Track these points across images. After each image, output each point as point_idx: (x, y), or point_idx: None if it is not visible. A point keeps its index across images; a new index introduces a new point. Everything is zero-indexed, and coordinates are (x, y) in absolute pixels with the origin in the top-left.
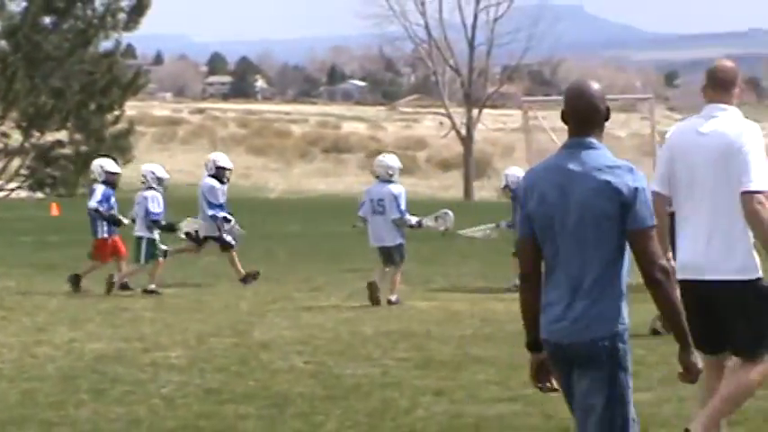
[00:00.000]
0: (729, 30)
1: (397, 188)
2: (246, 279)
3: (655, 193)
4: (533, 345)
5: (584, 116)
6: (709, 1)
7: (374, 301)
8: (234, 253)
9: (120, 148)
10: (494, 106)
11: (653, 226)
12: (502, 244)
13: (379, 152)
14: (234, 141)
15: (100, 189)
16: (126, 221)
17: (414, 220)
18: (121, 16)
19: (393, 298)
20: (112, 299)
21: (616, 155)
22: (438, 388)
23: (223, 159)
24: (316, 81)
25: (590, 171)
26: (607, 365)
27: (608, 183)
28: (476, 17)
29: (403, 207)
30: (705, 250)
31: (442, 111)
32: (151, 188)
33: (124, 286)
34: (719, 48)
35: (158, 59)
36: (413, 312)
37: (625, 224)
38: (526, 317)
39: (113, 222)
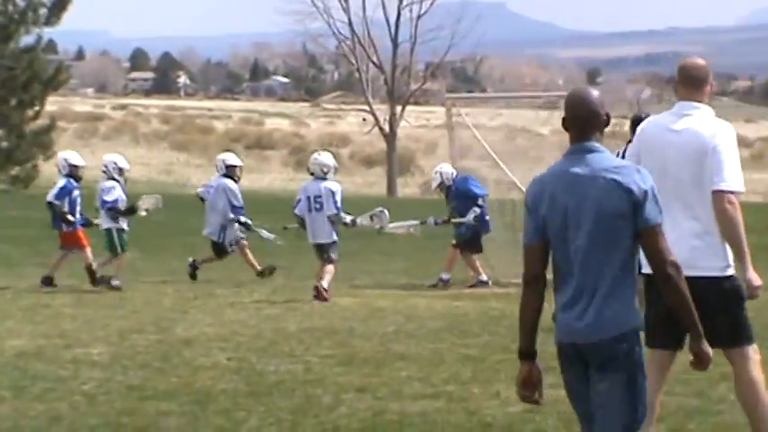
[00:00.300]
0: (649, 28)
1: (334, 185)
2: (194, 271)
3: None
4: (526, 353)
5: (586, 122)
6: (631, 1)
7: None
8: (216, 260)
9: (41, 144)
10: (417, 103)
11: (661, 223)
12: (424, 241)
13: (302, 149)
14: (156, 137)
15: (60, 182)
16: (97, 222)
17: (348, 218)
18: (43, 11)
19: (325, 284)
20: (33, 295)
21: (539, 152)
22: (361, 385)
23: (232, 158)
24: (239, 77)
25: (598, 172)
26: (625, 364)
27: (617, 182)
28: (399, 14)
29: (339, 204)
30: (683, 248)
31: (366, 107)
32: (112, 178)
33: (47, 281)
34: (640, 45)
35: (80, 55)
36: (336, 309)
37: (636, 222)
38: (525, 322)
39: (64, 221)
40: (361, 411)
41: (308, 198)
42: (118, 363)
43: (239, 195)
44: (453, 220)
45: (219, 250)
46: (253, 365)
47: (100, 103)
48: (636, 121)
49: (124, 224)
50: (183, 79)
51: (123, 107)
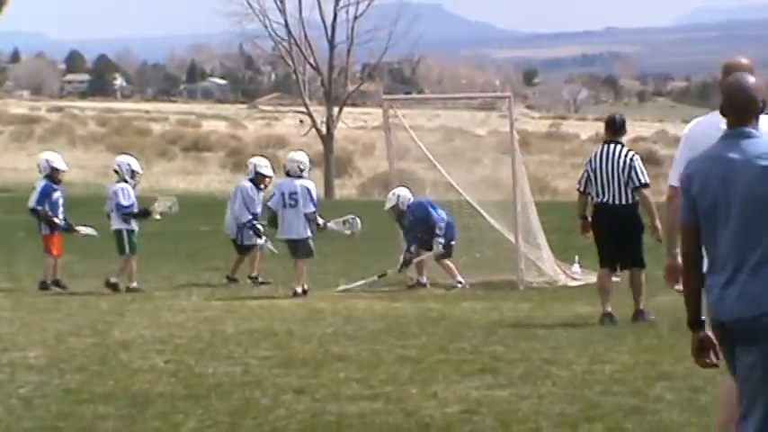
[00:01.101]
0: (586, 28)
1: (310, 183)
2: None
3: (673, 189)
4: (694, 323)
5: (744, 107)
6: (567, 1)
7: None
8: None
9: None
10: (354, 105)
11: None
12: (361, 244)
13: (239, 151)
14: (93, 140)
15: (39, 185)
16: (83, 231)
17: (320, 220)
18: None
19: (299, 289)
20: None
21: (476, 153)
22: (299, 386)
23: (265, 167)
24: (175, 79)
25: (751, 159)
26: (765, 339)
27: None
28: (335, 15)
29: (316, 202)
30: None
31: (303, 109)
32: (124, 180)
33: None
34: (577, 46)
35: (15, 57)
36: (274, 311)
37: None
38: (690, 296)
39: (49, 224)
40: (300, 413)
41: (283, 194)
42: (54, 366)
43: (256, 202)
44: (416, 260)
45: (240, 248)
46: (191, 368)
47: (36, 106)
48: (610, 122)
49: (135, 225)
50: (119, 81)
51: (59, 109)
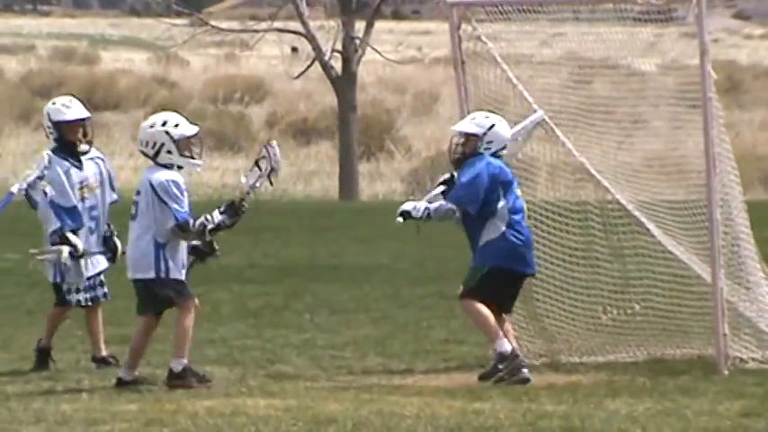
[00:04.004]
0: None
1: (164, 174)
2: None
3: None
4: None
5: None
6: None
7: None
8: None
9: None
10: (397, 17)
11: None
12: (414, 287)
13: (174, 107)
14: None
15: None
16: None
17: (195, 221)
18: None
19: (179, 366)
20: None
21: (636, 108)
22: None
23: (64, 108)
24: None
25: None
26: None
27: None
28: None
29: (185, 207)
30: None
31: (297, 27)
32: None
33: None
34: None
35: None
36: (242, 421)
37: None
38: None
39: None
40: None
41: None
42: None
43: (68, 190)
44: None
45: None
46: None
47: None
48: None
49: None
50: None
51: None
